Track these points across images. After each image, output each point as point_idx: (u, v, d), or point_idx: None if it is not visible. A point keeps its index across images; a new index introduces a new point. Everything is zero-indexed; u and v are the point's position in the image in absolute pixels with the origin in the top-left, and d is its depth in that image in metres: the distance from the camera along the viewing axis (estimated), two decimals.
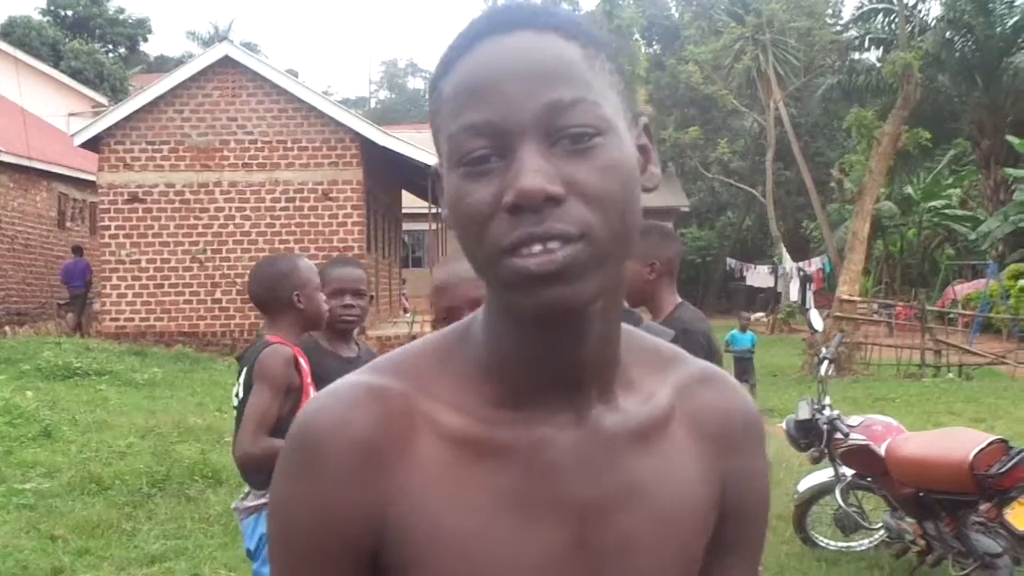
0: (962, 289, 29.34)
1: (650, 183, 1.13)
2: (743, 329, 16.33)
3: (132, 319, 20.73)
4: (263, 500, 3.80)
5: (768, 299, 36.94)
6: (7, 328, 21.64)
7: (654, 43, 49.61)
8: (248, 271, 4.83)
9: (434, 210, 23.68)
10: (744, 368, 15.87)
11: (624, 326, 1.18)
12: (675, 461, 1.17)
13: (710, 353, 4.00)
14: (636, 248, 4.09)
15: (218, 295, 21.11)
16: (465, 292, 2.79)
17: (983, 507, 6.27)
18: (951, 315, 26.44)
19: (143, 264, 20.61)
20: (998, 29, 31.94)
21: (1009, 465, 6.13)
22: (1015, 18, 32.27)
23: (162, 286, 20.66)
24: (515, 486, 1.09)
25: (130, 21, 56.29)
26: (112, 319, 20.71)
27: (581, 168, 1.00)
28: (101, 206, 21.26)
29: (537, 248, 0.98)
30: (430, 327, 5.42)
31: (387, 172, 23.65)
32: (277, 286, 4.04)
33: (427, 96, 1.11)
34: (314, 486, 1.07)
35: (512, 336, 1.11)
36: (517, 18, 1.05)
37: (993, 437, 6.45)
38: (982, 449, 6.22)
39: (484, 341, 1.14)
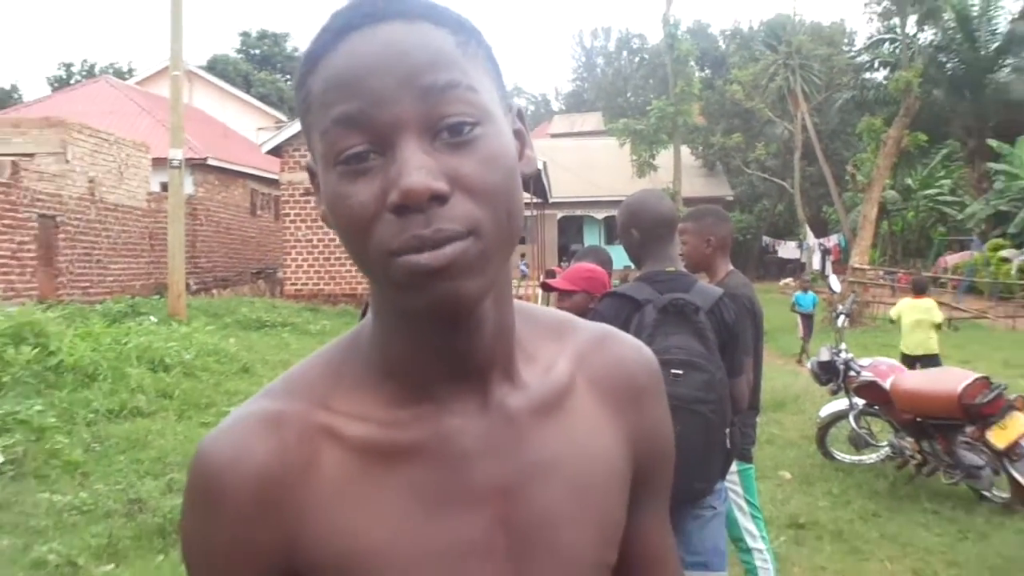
0: (951, 259, 28.69)
1: (528, 168, 0.90)
2: (804, 290, 16.04)
3: (307, 284, 20.95)
4: None
5: (795, 268, 36.34)
6: (215, 291, 22.15)
7: (705, 68, 48.83)
8: None
9: (536, 200, 23.39)
10: (808, 326, 15.69)
11: (516, 302, 0.95)
12: (584, 428, 0.95)
13: (754, 313, 3.97)
14: (695, 228, 3.92)
15: None
16: None
17: (969, 430, 6.20)
18: (942, 280, 25.82)
19: (315, 242, 20.87)
20: (982, 52, 31.49)
21: (991, 396, 6.09)
22: (996, 43, 31.72)
23: (329, 259, 20.82)
24: (428, 482, 0.87)
25: None
26: (292, 284, 21.07)
27: (464, 161, 0.79)
28: (283, 198, 21.57)
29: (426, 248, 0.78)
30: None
31: None
32: None
33: (294, 93, 0.87)
34: (215, 524, 0.84)
35: (405, 334, 0.88)
36: (384, 9, 0.81)
37: (978, 375, 6.38)
38: (969, 384, 6.18)
39: (376, 344, 0.90)
